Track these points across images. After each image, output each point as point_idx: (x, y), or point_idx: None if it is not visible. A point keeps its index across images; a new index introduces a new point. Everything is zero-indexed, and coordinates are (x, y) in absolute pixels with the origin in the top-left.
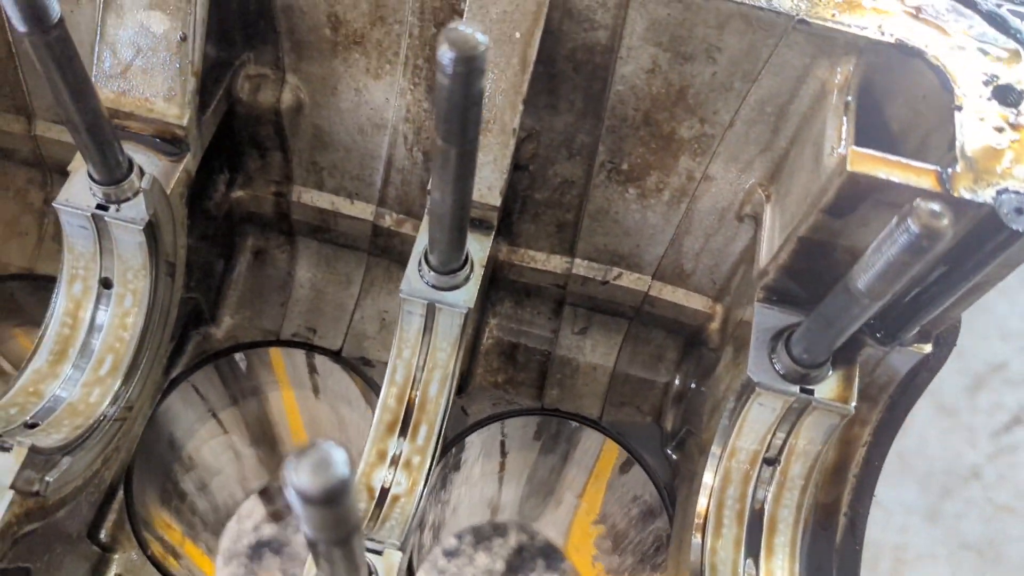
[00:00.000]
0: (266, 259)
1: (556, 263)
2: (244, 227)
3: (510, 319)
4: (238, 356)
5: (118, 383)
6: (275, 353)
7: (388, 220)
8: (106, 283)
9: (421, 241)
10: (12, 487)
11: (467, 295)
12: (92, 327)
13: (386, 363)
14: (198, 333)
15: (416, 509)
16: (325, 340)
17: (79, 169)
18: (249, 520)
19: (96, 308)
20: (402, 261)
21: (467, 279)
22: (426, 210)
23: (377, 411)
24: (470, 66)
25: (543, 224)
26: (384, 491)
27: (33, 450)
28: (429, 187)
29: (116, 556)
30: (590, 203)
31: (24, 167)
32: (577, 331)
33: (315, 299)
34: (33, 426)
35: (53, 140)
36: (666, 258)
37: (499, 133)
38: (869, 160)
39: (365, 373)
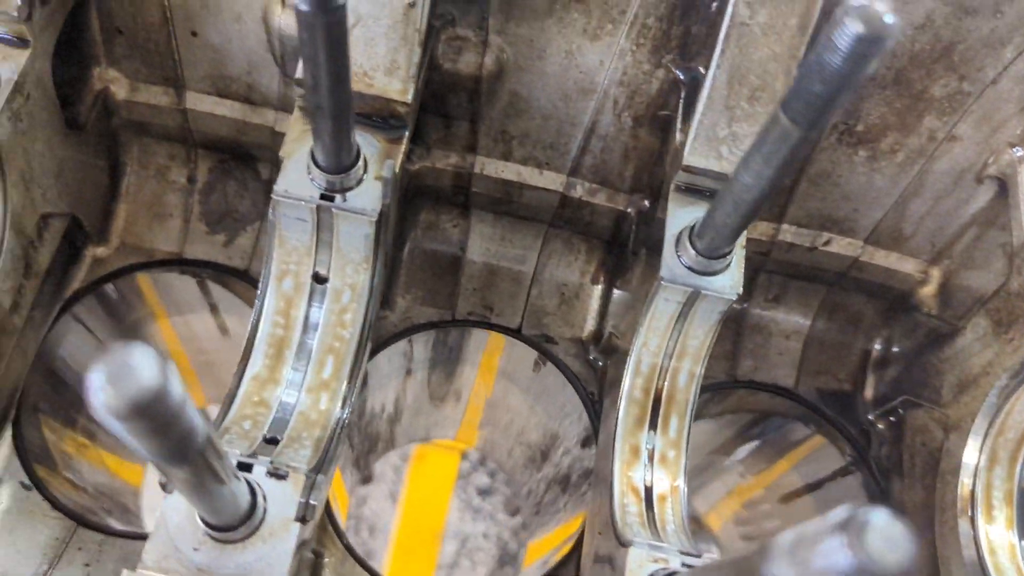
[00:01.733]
0: (436, 235)
1: (762, 229)
2: (416, 201)
3: None
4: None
5: (343, 385)
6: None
7: (579, 190)
8: (318, 278)
9: (676, 220)
10: (296, 519)
11: (732, 280)
12: (307, 326)
13: (569, 340)
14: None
15: (685, 507)
16: (502, 318)
17: (293, 155)
18: None
19: (309, 305)
20: (587, 232)
21: (729, 264)
22: (673, 189)
23: (622, 404)
24: (875, 47)
25: None
26: (648, 489)
27: (307, 475)
28: (739, 167)
29: (326, 560)
30: (812, 166)
31: (165, 142)
32: (770, 298)
33: (489, 275)
34: (273, 441)
35: (204, 113)
36: (884, 221)
37: (767, 103)
38: None
39: (549, 351)
